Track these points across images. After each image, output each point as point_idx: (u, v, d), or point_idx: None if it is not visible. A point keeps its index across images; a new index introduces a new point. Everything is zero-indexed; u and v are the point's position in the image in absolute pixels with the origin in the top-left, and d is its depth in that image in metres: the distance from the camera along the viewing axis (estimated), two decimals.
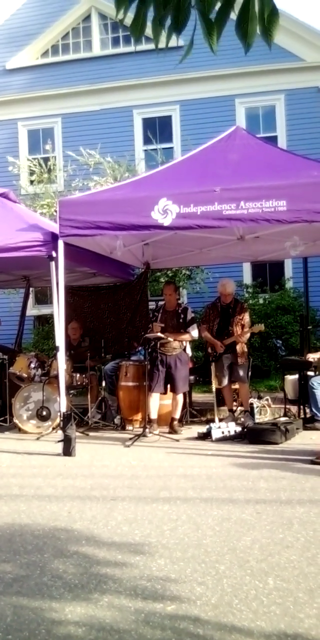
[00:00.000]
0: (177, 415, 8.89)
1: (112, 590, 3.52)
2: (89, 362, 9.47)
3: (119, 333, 11.01)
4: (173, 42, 2.39)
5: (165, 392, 8.89)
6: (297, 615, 3.14)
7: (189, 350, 9.19)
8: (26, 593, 3.52)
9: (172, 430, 8.71)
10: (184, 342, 8.92)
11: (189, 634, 2.98)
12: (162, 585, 3.57)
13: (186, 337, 8.89)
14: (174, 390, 8.83)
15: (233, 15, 2.30)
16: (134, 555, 4.04)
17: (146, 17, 2.35)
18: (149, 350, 8.75)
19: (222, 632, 2.98)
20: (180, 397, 8.89)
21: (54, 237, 8.07)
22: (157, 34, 2.29)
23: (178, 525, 4.63)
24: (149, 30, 2.38)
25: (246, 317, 9.15)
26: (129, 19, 2.37)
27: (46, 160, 14.58)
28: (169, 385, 8.85)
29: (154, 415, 8.79)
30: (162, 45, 2.36)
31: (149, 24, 2.38)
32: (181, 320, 8.92)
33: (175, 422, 8.84)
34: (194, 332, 8.95)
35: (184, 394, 9.12)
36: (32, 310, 15.20)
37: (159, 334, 8.60)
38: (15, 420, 9.10)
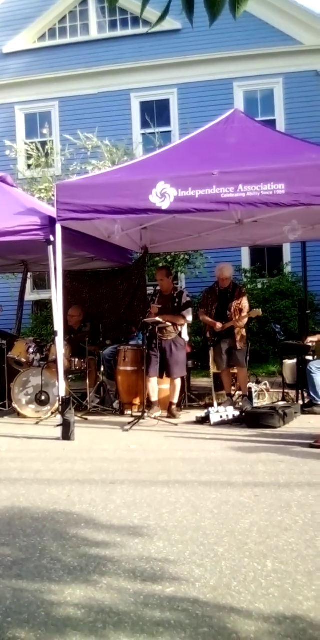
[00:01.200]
0: (175, 399, 8.89)
1: (111, 572, 3.53)
2: (88, 347, 9.47)
3: (118, 318, 11.00)
4: (171, 26, 2.35)
5: (161, 377, 8.89)
6: (296, 597, 3.15)
7: (185, 335, 9.15)
8: (26, 576, 3.53)
9: (171, 415, 8.72)
10: (179, 327, 8.90)
11: (188, 616, 2.99)
12: (161, 567, 3.58)
13: (181, 320, 8.87)
14: (169, 375, 8.83)
15: None
16: (133, 538, 4.05)
17: None
18: (148, 335, 8.74)
19: (221, 614, 3.00)
20: (178, 382, 8.89)
21: (51, 221, 8.04)
22: None
23: (177, 508, 4.64)
24: (146, 14, 2.33)
25: (244, 302, 9.12)
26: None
27: (44, 144, 14.49)
28: (165, 370, 8.85)
29: (154, 397, 8.82)
30: (164, 28, 2.31)
31: (135, 2, 2.34)
32: (176, 304, 8.90)
33: (174, 407, 8.85)
34: (189, 317, 8.94)
35: (182, 379, 9.12)
36: (31, 295, 15.19)
37: (158, 319, 8.59)
38: (15, 405, 9.10)
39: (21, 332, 12.35)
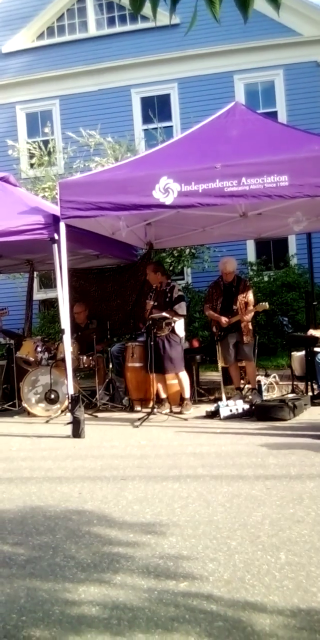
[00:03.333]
0: (187, 394, 8.82)
1: (124, 569, 3.53)
2: (96, 344, 9.47)
3: (125, 315, 11.01)
4: (170, 20, 2.33)
5: (161, 373, 8.82)
6: (310, 589, 3.15)
7: (180, 331, 8.87)
8: (39, 574, 3.54)
9: (182, 409, 8.69)
10: (172, 323, 8.77)
11: (202, 611, 2.98)
12: (175, 562, 3.58)
13: (173, 316, 8.73)
14: (164, 371, 8.78)
15: None
16: (145, 534, 4.05)
17: None
18: (155, 330, 8.65)
19: (235, 608, 2.99)
20: (182, 376, 8.81)
21: (55, 220, 8.06)
22: (155, 6, 2.23)
23: (189, 503, 4.64)
24: (145, 9, 2.32)
25: (250, 295, 9.10)
26: None
27: (46, 143, 14.50)
28: (160, 367, 8.73)
29: (163, 394, 8.81)
30: (163, 22, 2.29)
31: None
32: (167, 299, 8.83)
33: (186, 401, 8.80)
34: (180, 310, 8.76)
35: (189, 373, 9.08)
36: (38, 294, 15.19)
37: (164, 314, 8.56)
38: (24, 404, 9.13)
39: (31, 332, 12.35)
